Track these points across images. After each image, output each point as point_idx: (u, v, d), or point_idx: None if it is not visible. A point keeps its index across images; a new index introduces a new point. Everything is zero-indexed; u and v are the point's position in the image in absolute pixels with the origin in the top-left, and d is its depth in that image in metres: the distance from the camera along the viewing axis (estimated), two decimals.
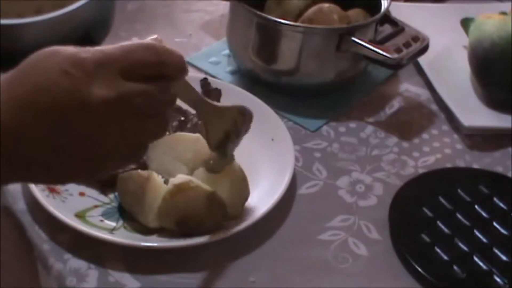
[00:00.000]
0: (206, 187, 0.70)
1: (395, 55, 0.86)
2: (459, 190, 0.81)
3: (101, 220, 0.73)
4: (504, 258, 0.73)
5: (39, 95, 0.50)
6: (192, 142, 0.76)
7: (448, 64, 1.00)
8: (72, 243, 0.71)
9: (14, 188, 0.76)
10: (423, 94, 0.98)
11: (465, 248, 0.74)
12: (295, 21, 0.92)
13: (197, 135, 0.76)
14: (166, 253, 0.71)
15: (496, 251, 0.74)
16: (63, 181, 0.58)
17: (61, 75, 0.51)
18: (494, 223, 0.77)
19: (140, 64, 0.54)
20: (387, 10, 0.93)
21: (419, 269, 0.71)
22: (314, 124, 0.90)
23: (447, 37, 1.03)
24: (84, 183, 0.75)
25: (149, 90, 0.54)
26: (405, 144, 0.89)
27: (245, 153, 0.74)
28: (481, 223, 0.77)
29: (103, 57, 0.52)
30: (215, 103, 0.68)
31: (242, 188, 0.74)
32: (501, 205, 0.79)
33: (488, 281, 0.71)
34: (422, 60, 0.96)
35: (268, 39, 0.90)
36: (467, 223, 0.77)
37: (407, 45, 0.89)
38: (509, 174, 0.86)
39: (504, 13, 0.97)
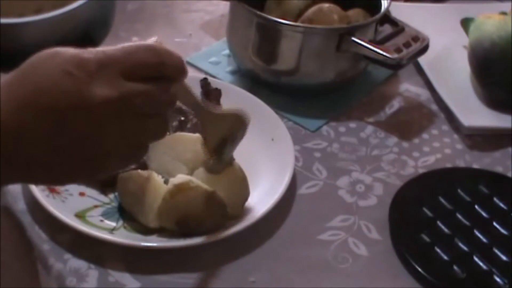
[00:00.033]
0: (206, 187, 0.70)
1: (395, 55, 0.86)
2: (459, 190, 0.81)
3: (101, 220, 0.73)
4: (504, 258, 0.73)
5: (40, 96, 0.51)
6: (192, 142, 0.76)
7: (448, 64, 1.00)
8: (72, 243, 0.71)
9: (14, 188, 0.76)
10: (423, 94, 0.98)
11: (465, 248, 0.74)
12: (295, 21, 0.92)
13: (197, 135, 0.76)
14: (166, 253, 0.71)
15: (496, 251, 0.74)
16: (63, 182, 0.58)
17: (63, 76, 0.51)
18: (494, 223, 0.77)
19: (141, 65, 0.54)
20: (387, 10, 0.93)
21: (419, 269, 0.71)
22: (314, 124, 0.90)
23: (447, 37, 1.03)
24: (84, 183, 0.76)
25: (150, 91, 0.54)
26: (405, 144, 0.89)
27: (245, 153, 0.74)
28: (481, 223, 0.77)
29: (104, 57, 0.52)
30: (213, 108, 0.68)
31: (242, 188, 0.74)
32: (501, 205, 0.79)
33: (488, 281, 0.71)
34: (422, 60, 0.96)
35: (268, 39, 0.90)
36: (467, 223, 0.77)
37: (407, 45, 0.89)
38: (509, 174, 0.86)
39: (504, 13, 0.97)
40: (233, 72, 0.97)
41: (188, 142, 0.76)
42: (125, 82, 0.53)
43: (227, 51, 0.99)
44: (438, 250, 0.73)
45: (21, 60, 0.53)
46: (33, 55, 0.53)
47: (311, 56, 0.89)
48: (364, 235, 0.76)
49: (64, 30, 0.91)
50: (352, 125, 0.91)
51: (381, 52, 0.86)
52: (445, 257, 0.73)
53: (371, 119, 0.92)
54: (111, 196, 0.76)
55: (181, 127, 0.81)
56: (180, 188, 0.70)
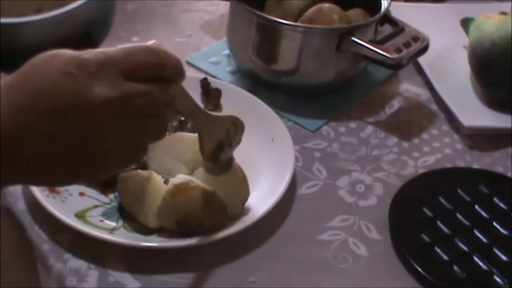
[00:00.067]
0: (206, 187, 0.70)
1: (395, 55, 0.86)
2: (459, 190, 0.81)
3: (101, 220, 0.73)
4: (504, 258, 0.73)
5: (40, 98, 0.51)
6: (192, 142, 0.75)
7: (448, 64, 1.00)
8: (72, 243, 0.71)
9: (14, 188, 0.76)
10: (423, 94, 0.98)
11: (465, 248, 0.74)
12: (295, 21, 0.92)
13: (197, 135, 0.76)
14: (166, 253, 0.71)
15: (496, 251, 0.74)
16: (64, 182, 0.58)
17: (63, 77, 0.51)
18: (494, 223, 0.77)
19: (141, 66, 0.54)
20: (387, 10, 0.93)
21: (419, 269, 0.71)
22: (314, 124, 0.90)
23: (447, 37, 1.03)
24: (84, 183, 0.76)
25: (150, 91, 0.54)
26: (405, 144, 0.89)
27: (245, 153, 0.74)
28: (481, 223, 0.77)
29: (105, 58, 0.53)
30: (210, 112, 0.68)
31: (242, 188, 0.74)
32: (501, 205, 0.79)
33: (488, 281, 0.71)
34: (422, 60, 0.96)
35: (268, 39, 0.90)
36: (467, 223, 0.77)
37: (407, 45, 0.89)
38: (509, 174, 0.86)
39: (504, 13, 0.97)
40: (233, 72, 0.97)
41: (188, 142, 0.76)
42: (125, 82, 0.53)
43: (227, 51, 0.99)
44: (438, 250, 0.73)
45: (21, 60, 0.53)
46: (33, 57, 0.53)
47: (311, 56, 0.89)
48: (364, 235, 0.76)
49: (64, 30, 0.91)
50: (352, 125, 0.91)
51: (381, 52, 0.86)
52: (445, 257, 0.73)
53: (371, 119, 0.92)
54: (111, 196, 0.76)
55: (181, 127, 0.81)
56: (180, 188, 0.70)
